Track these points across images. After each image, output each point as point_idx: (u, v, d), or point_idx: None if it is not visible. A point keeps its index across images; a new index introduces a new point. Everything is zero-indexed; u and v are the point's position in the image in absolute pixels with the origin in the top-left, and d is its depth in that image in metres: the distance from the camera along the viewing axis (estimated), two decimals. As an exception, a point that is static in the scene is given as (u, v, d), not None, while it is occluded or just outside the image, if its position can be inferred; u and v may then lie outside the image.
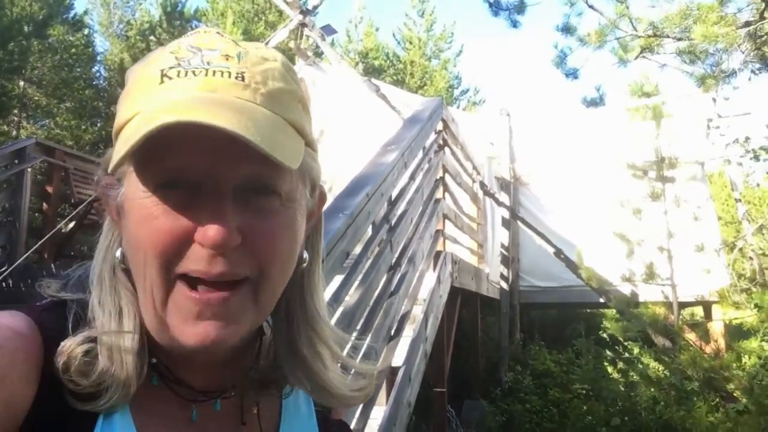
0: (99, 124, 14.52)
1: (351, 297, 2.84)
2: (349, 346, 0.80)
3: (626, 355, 6.78)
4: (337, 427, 0.78)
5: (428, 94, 15.36)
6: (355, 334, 2.95)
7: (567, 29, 4.14)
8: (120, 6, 16.89)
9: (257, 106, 0.54)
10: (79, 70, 14.04)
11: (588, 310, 9.67)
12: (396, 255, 3.56)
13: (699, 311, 8.89)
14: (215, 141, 0.51)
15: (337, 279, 2.74)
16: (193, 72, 0.54)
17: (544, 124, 8.91)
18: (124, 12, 16.68)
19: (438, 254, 4.50)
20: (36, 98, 12.73)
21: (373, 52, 17.53)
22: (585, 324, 8.46)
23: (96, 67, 15.43)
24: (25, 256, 3.91)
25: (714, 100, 8.21)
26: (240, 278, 0.56)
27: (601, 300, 6.82)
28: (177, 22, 14.55)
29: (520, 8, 3.89)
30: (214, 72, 0.54)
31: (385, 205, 3.45)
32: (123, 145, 0.51)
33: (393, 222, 3.56)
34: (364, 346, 2.90)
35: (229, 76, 0.55)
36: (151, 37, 14.38)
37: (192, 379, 0.62)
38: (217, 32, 0.59)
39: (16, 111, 12.23)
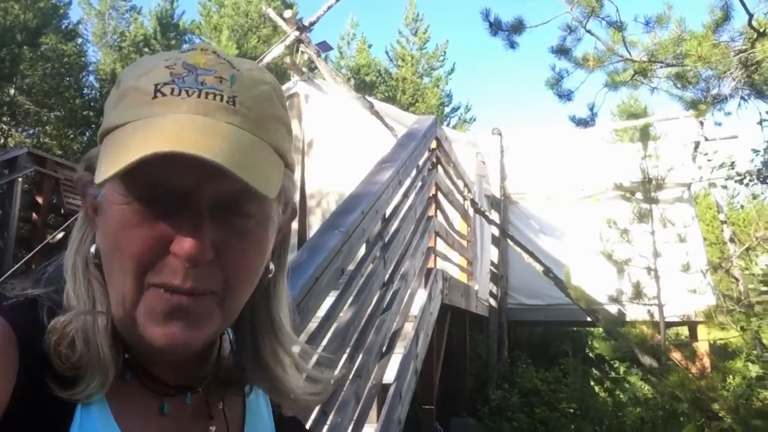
0: (88, 134, 14.46)
1: (345, 314, 2.85)
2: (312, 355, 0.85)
3: (612, 374, 6.82)
4: (291, 424, 0.83)
5: (419, 110, 15.49)
6: (347, 351, 2.97)
7: (561, 51, 4.21)
8: (114, 17, 16.92)
9: (244, 131, 0.56)
10: (69, 79, 14.00)
11: (574, 329, 9.72)
12: (389, 272, 3.59)
13: (684, 331, 8.98)
14: (200, 161, 0.52)
15: (332, 295, 2.76)
16: (187, 92, 0.56)
17: (534, 144, 9.01)
18: (118, 23, 16.71)
19: (429, 271, 4.52)
20: (26, 106, 12.66)
21: (365, 68, 17.66)
22: (571, 342, 8.49)
23: (87, 77, 15.40)
24: (14, 268, 3.87)
25: (701, 123, 8.34)
26: (208, 292, 0.58)
27: (588, 319, 6.88)
28: (172, 34, 14.56)
29: (518, 29, 3.95)
30: (207, 94, 0.56)
31: (379, 223, 3.48)
32: (112, 159, 0.53)
33: (387, 239, 3.59)
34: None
35: (221, 100, 0.57)
36: (146, 49, 14.38)
37: (162, 375, 0.65)
38: (214, 51, 0.61)
39: (5, 119, 12.15)
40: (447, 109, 18.75)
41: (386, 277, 3.54)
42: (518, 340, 8.45)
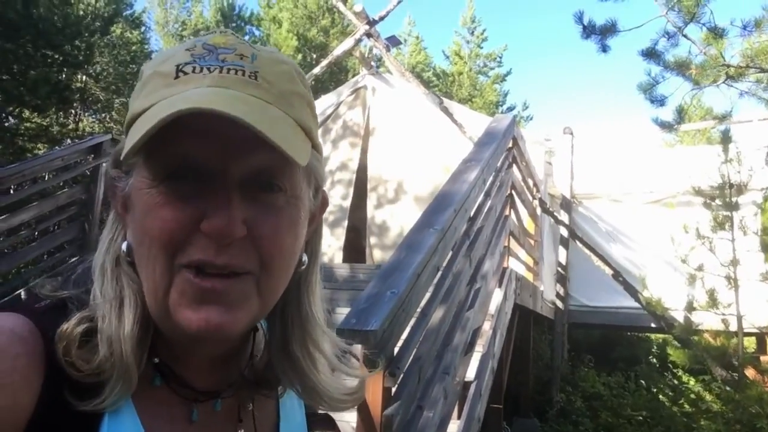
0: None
1: (437, 311, 2.87)
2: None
3: (675, 382, 6.67)
4: (322, 421, 0.81)
5: (476, 106, 15.37)
6: (437, 348, 2.99)
7: (651, 54, 4.13)
8: (176, 6, 17.33)
9: (268, 104, 0.56)
10: (134, 66, 14.40)
11: (630, 334, 9.53)
12: (472, 270, 3.59)
13: (750, 342, 8.70)
14: (226, 133, 0.52)
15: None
16: (208, 69, 0.56)
17: (598, 144, 8.84)
18: (180, 12, 17.12)
19: (504, 271, 4.50)
20: (94, 92, 13.08)
21: (421, 65, 17.62)
22: (632, 348, 8.34)
23: (150, 65, 15.79)
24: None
25: (777, 127, 8.04)
26: (244, 271, 0.56)
27: (652, 325, 6.73)
28: (233, 24, 14.82)
29: (611, 32, 3.87)
30: (229, 70, 0.56)
31: (466, 222, 3.48)
32: (137, 132, 0.52)
33: (471, 238, 3.59)
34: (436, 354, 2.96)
35: (243, 74, 0.56)
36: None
37: (193, 379, 0.63)
38: (233, 34, 0.60)
39: (76, 105, 12.58)
40: (504, 108, 18.57)
41: (470, 276, 3.54)
42: (576, 342, 8.34)
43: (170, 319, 0.56)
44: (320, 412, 0.81)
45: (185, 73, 0.55)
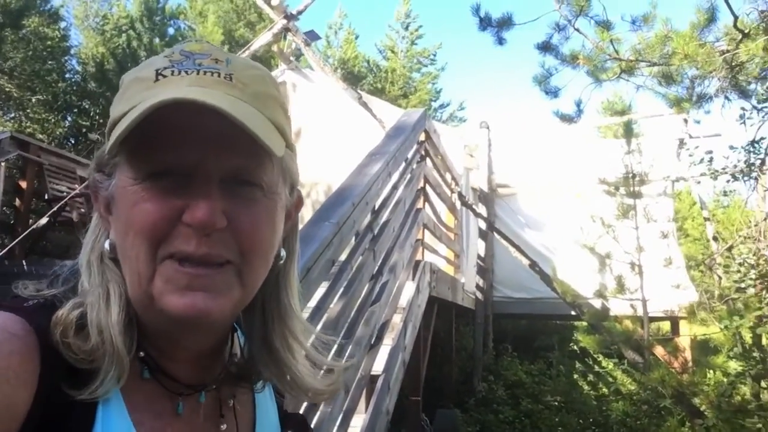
0: (70, 119, 14.22)
1: (335, 305, 2.85)
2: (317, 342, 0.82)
3: (597, 368, 6.89)
4: (295, 420, 0.82)
5: (411, 103, 15.44)
6: (339, 339, 2.97)
7: (546, 48, 4.25)
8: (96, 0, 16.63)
9: (244, 103, 0.59)
10: (51, 63, 13.74)
11: (557, 322, 9.81)
12: (378, 264, 3.59)
13: (666, 326, 9.09)
14: (205, 130, 0.56)
15: (323, 286, 2.75)
16: (186, 72, 0.59)
17: (521, 139, 9.05)
18: (100, 6, 16.45)
19: (417, 264, 4.53)
20: (7, 89, 12.42)
21: (353, 60, 17.54)
22: (556, 336, 8.57)
23: (70, 61, 15.13)
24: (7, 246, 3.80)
25: (685, 121, 8.43)
26: (223, 261, 0.59)
27: (573, 313, 6.94)
28: (157, 18, 14.36)
29: (507, 25, 3.98)
30: (205, 72, 0.59)
31: (369, 215, 3.47)
32: (123, 125, 0.55)
33: (376, 231, 3.58)
34: (335, 345, 2.93)
35: (219, 76, 0.59)
36: (130, 32, 14.17)
37: (178, 373, 0.65)
38: (208, 42, 0.65)
39: (-14, 102, 11.92)
40: (435, 104, 18.70)
41: (375, 269, 3.53)
42: (502, 332, 8.50)
43: (155, 307, 0.59)
44: (293, 412, 0.83)
45: (164, 77, 0.59)
